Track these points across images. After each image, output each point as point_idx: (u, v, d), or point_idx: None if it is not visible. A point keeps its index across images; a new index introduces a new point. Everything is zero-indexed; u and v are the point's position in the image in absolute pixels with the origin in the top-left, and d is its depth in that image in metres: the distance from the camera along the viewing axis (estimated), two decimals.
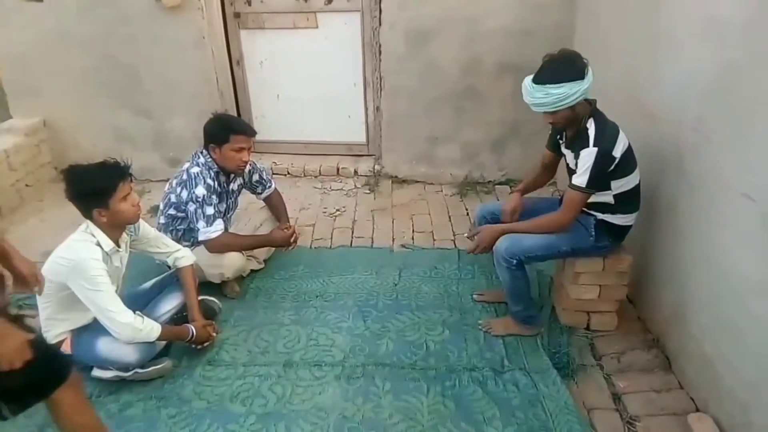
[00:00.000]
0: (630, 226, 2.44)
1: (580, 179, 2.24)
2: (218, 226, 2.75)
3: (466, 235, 3.54)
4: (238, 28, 4.28)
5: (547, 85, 2.16)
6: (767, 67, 1.78)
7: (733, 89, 1.97)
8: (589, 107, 2.28)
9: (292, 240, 3.06)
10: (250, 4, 4.19)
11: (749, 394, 1.88)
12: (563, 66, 2.17)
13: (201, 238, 2.75)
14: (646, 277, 2.67)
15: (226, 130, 2.75)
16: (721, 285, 2.05)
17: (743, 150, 1.90)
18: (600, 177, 2.24)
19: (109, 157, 2.25)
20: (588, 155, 2.21)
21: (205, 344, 2.52)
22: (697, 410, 2.15)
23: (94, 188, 2.17)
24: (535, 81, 2.21)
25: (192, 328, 2.46)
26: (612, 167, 2.24)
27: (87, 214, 2.23)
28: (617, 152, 2.22)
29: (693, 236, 2.26)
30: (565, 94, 2.14)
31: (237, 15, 4.23)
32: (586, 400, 2.27)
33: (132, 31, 4.03)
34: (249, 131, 2.82)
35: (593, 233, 2.42)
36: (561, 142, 2.50)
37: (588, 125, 2.25)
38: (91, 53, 4.13)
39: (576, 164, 2.28)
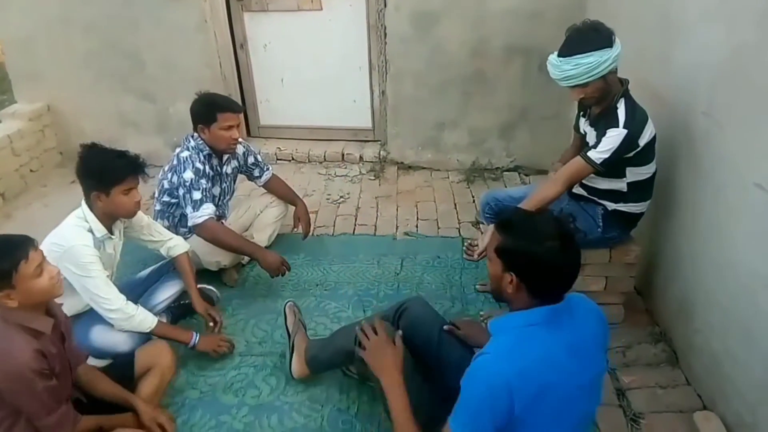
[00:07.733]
0: (642, 213, 2.34)
1: (598, 154, 2.11)
2: (204, 210, 2.65)
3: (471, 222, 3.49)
4: (241, 11, 4.19)
5: (576, 56, 2.02)
6: None
7: (746, 73, 1.85)
8: (620, 86, 2.15)
9: (279, 274, 2.75)
10: None
11: (759, 393, 1.80)
12: (590, 34, 2.04)
13: (189, 223, 2.68)
14: (654, 268, 2.58)
15: (211, 109, 2.67)
16: (729, 279, 1.96)
17: (756, 137, 1.80)
18: (617, 161, 2.12)
19: (134, 152, 2.24)
20: (616, 135, 2.07)
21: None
22: (704, 408, 2.08)
23: (102, 170, 2.14)
24: (562, 54, 2.07)
25: (196, 335, 2.36)
26: (631, 154, 2.12)
27: (86, 195, 2.20)
28: (642, 140, 2.11)
29: (701, 227, 2.16)
30: (596, 62, 2.01)
31: None
32: None
33: (134, 15, 3.98)
34: (235, 107, 2.77)
35: (601, 223, 2.32)
36: (584, 119, 2.38)
37: (618, 105, 2.12)
38: (93, 37, 4.09)
39: (597, 142, 2.14)
